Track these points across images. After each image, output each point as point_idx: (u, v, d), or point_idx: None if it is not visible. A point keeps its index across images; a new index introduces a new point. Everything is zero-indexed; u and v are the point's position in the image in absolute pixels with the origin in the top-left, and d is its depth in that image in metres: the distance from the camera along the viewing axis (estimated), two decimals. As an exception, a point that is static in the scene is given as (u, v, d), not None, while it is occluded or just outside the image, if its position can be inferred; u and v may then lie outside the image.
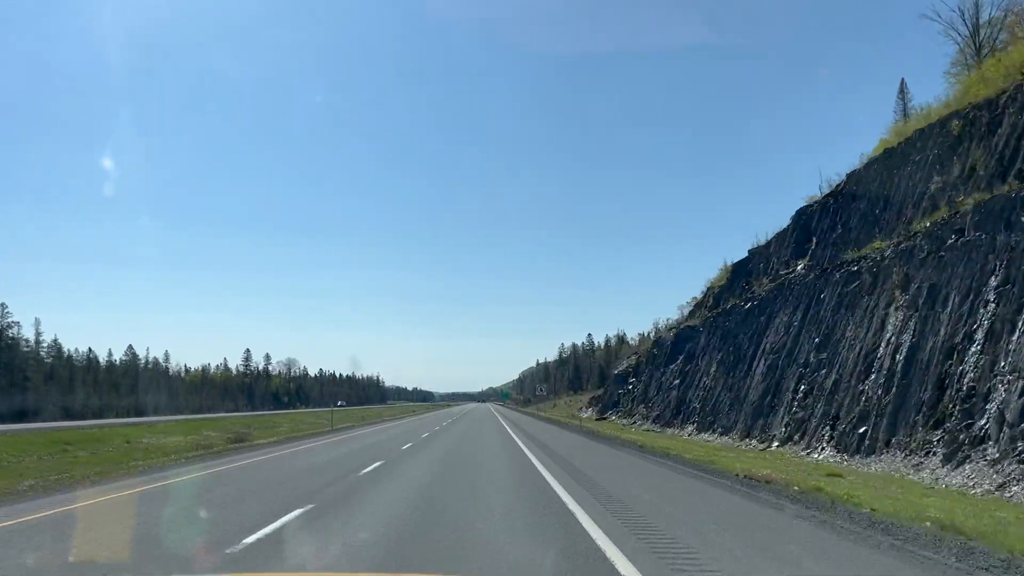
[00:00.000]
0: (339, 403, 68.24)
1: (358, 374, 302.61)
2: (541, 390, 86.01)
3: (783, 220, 42.36)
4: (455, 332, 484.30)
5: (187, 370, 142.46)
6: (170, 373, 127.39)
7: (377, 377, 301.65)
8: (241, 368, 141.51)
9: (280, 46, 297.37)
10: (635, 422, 51.49)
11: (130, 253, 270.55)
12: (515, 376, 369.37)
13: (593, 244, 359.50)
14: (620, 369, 70.99)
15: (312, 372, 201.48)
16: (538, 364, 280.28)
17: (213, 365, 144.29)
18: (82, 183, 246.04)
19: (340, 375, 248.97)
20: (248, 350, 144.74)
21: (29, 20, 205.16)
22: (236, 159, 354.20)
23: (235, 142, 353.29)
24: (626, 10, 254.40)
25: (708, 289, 57.49)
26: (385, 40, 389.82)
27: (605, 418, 62.87)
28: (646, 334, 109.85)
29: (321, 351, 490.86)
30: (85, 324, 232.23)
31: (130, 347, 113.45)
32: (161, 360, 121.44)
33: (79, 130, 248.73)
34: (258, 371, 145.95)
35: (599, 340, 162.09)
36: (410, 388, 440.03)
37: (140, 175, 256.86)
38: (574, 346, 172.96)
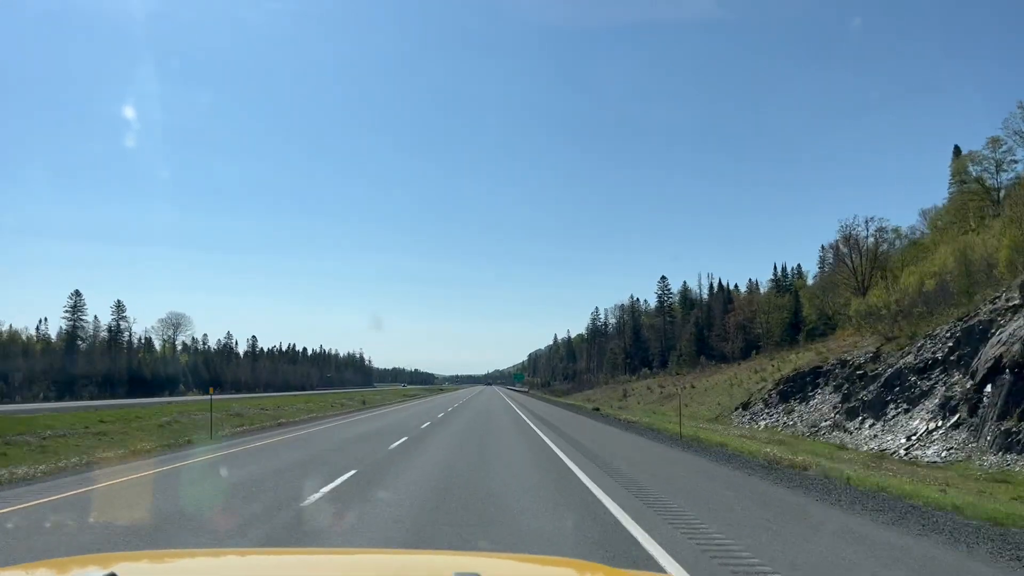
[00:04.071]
0: None
1: (357, 348, 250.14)
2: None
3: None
4: (458, 314, 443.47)
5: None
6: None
7: (360, 355, 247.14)
8: (65, 328, 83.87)
9: (276, 14, 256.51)
10: None
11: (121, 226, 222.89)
12: (521, 359, 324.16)
13: (596, 225, 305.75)
14: None
15: (246, 344, 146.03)
16: (556, 341, 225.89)
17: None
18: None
19: (304, 351, 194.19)
20: (77, 292, 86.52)
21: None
22: (231, 136, 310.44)
23: (229, 119, 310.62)
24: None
25: None
26: (392, 12, 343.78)
27: None
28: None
29: (319, 334, 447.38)
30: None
31: None
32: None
33: None
34: (105, 333, 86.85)
35: (672, 293, 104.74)
36: (410, 370, 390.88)
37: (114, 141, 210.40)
38: (633, 305, 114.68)
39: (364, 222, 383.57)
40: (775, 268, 78.89)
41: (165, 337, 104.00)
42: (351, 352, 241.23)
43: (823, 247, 64.59)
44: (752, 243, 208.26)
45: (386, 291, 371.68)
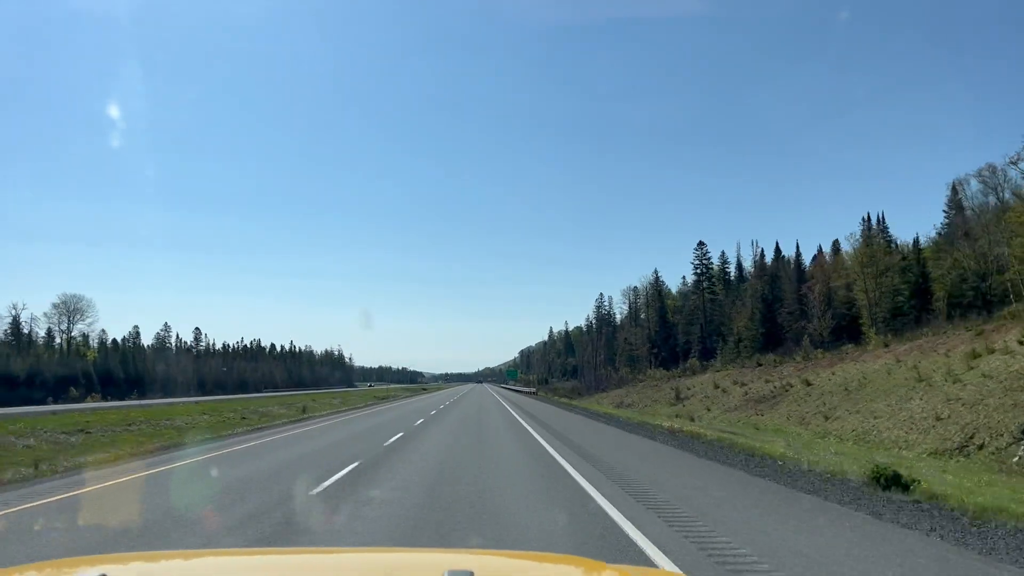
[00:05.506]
0: None
1: (336, 345, 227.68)
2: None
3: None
4: (448, 312, 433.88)
5: None
6: None
7: (339, 352, 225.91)
8: None
9: (267, 15, 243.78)
10: None
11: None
12: (513, 356, 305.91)
13: (590, 220, 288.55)
14: None
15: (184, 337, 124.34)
16: (552, 335, 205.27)
17: None
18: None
19: (272, 347, 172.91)
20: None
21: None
22: (221, 134, 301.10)
23: (221, 117, 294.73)
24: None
25: None
26: (383, 11, 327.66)
27: None
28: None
29: (309, 331, 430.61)
30: None
31: None
32: None
33: None
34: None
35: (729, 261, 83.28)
36: (397, 368, 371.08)
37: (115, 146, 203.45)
38: (657, 283, 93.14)
39: (350, 219, 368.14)
40: (866, 220, 58.10)
41: (61, 327, 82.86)
42: (329, 349, 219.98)
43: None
44: (751, 239, 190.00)
45: (374, 289, 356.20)
